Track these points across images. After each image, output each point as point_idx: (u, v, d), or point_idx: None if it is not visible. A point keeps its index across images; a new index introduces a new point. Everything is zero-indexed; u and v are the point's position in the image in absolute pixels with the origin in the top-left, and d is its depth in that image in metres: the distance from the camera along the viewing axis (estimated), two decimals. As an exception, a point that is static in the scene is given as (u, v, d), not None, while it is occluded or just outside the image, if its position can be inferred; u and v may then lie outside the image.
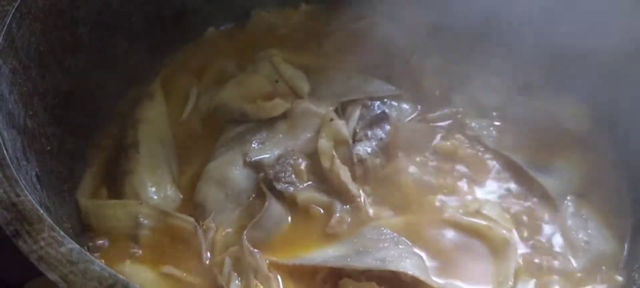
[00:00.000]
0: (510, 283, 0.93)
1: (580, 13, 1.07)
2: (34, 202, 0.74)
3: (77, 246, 0.69)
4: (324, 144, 1.07)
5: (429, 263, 0.95)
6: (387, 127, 1.11)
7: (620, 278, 0.95)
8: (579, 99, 1.14)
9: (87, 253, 0.69)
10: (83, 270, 0.67)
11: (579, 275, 0.96)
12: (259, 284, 0.90)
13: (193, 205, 1.04)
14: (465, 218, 1.00)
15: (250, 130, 1.11)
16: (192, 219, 1.00)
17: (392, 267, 0.90)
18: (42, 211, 0.73)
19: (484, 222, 0.99)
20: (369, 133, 1.09)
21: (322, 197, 1.02)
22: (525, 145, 1.10)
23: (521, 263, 0.96)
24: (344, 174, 1.03)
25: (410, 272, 0.90)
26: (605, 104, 1.10)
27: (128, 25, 1.18)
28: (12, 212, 0.72)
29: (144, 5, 1.19)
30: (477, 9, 1.15)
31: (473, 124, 1.14)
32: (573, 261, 0.97)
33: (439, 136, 1.12)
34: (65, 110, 1.04)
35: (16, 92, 0.90)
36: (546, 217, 1.02)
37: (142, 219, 0.99)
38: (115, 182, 1.06)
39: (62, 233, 0.70)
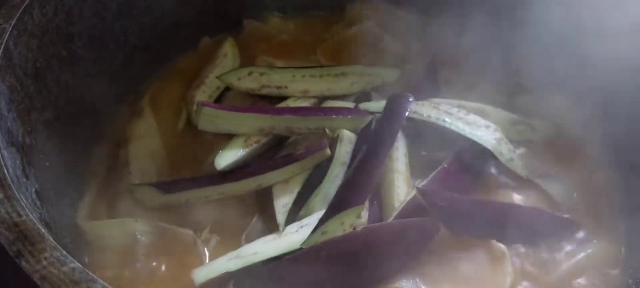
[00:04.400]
0: None
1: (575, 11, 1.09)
2: (35, 221, 0.74)
3: (80, 265, 0.70)
4: None
5: (430, 269, 0.97)
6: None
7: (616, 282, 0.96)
8: (572, 100, 1.15)
9: (89, 272, 0.69)
10: (86, 290, 0.68)
11: (575, 280, 0.97)
12: None
13: (189, 222, 1.04)
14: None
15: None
16: (190, 231, 1.01)
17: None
18: (43, 230, 0.73)
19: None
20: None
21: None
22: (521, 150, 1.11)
23: (518, 270, 0.97)
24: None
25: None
26: (599, 104, 1.11)
27: (123, 38, 1.18)
28: (14, 232, 0.73)
29: (139, 17, 1.20)
30: (468, 12, 1.16)
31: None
32: (568, 266, 0.98)
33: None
34: (63, 125, 1.04)
35: (14, 110, 0.91)
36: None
37: (139, 236, 1.01)
38: (111, 201, 1.07)
39: (64, 252, 0.71)
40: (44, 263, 0.70)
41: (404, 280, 0.95)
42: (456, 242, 0.99)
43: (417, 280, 0.96)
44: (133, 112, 1.19)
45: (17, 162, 0.87)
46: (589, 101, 1.13)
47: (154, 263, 0.98)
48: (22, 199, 0.77)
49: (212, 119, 1.07)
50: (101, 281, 0.68)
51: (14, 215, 0.74)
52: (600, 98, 1.11)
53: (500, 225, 1.00)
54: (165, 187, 1.05)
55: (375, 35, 1.28)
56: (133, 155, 1.12)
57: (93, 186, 1.09)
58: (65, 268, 0.69)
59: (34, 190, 0.90)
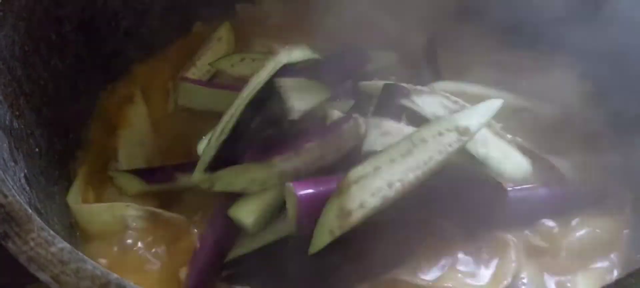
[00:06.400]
0: (509, 280, 0.90)
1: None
2: (22, 203, 0.72)
3: (69, 245, 0.67)
4: None
5: (428, 260, 0.93)
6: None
7: (616, 263, 0.94)
8: (572, 75, 1.12)
9: (79, 252, 0.67)
10: (75, 270, 0.65)
11: (578, 258, 0.94)
12: None
13: (181, 206, 1.02)
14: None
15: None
16: (182, 216, 0.99)
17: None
18: (31, 211, 0.71)
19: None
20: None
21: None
22: (525, 128, 1.08)
23: (522, 254, 0.94)
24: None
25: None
26: (602, 79, 1.08)
27: (114, 23, 1.16)
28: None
29: (131, 1, 1.17)
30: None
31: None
32: (574, 242, 0.96)
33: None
34: (52, 111, 1.02)
35: (1, 93, 0.89)
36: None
37: (130, 221, 0.99)
38: (100, 189, 1.05)
39: (52, 232, 0.68)
40: (31, 244, 0.68)
41: (402, 271, 0.91)
42: (457, 233, 0.95)
43: (416, 271, 0.92)
44: (124, 98, 1.17)
45: (4, 145, 0.85)
46: (590, 77, 1.11)
47: (146, 248, 0.96)
48: (8, 181, 0.75)
49: (191, 96, 1.09)
50: (91, 261, 0.66)
51: (0, 196, 0.71)
52: (605, 73, 1.08)
53: (500, 210, 0.96)
54: (146, 175, 1.03)
55: (372, 14, 1.25)
56: (122, 142, 1.10)
57: (83, 172, 1.06)
58: (53, 249, 0.67)
59: (22, 175, 0.88)
